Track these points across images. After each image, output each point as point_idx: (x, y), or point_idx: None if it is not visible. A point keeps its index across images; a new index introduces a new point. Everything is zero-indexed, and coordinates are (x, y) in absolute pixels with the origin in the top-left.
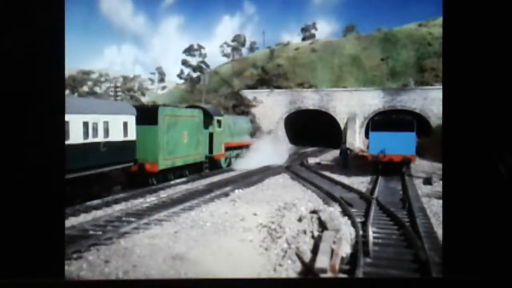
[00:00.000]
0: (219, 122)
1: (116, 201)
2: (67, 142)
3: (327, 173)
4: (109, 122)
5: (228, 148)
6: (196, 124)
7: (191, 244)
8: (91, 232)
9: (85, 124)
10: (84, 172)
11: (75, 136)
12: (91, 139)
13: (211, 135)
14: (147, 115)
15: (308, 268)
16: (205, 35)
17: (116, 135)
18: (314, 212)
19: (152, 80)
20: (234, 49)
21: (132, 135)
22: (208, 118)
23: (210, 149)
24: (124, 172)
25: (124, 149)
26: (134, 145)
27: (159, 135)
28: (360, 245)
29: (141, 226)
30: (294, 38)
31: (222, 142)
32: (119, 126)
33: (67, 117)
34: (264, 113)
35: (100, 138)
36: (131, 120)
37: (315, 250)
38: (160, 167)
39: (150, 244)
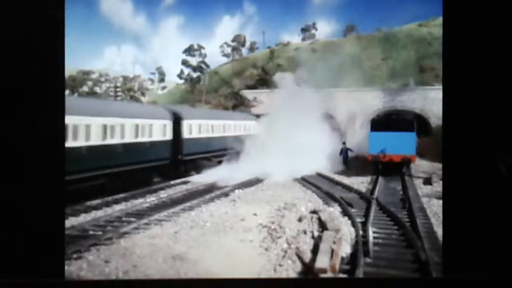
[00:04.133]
0: None
1: (116, 201)
2: (210, 135)
3: (327, 173)
4: (236, 124)
5: None
6: None
7: (191, 244)
8: (91, 232)
9: (225, 125)
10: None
11: (216, 132)
12: (227, 133)
13: None
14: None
15: (308, 268)
16: (205, 35)
17: (242, 131)
18: (314, 212)
19: (152, 80)
20: (234, 49)
21: (255, 131)
22: None
23: None
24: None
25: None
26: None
27: None
28: (360, 245)
29: (141, 226)
30: (294, 38)
31: None
32: (242, 127)
33: (212, 122)
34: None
35: (232, 132)
36: (252, 123)
37: (315, 250)
38: None
39: (150, 244)
